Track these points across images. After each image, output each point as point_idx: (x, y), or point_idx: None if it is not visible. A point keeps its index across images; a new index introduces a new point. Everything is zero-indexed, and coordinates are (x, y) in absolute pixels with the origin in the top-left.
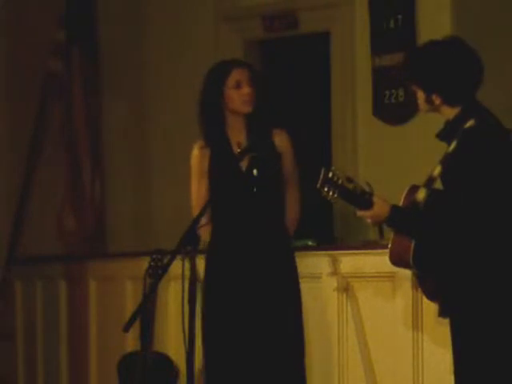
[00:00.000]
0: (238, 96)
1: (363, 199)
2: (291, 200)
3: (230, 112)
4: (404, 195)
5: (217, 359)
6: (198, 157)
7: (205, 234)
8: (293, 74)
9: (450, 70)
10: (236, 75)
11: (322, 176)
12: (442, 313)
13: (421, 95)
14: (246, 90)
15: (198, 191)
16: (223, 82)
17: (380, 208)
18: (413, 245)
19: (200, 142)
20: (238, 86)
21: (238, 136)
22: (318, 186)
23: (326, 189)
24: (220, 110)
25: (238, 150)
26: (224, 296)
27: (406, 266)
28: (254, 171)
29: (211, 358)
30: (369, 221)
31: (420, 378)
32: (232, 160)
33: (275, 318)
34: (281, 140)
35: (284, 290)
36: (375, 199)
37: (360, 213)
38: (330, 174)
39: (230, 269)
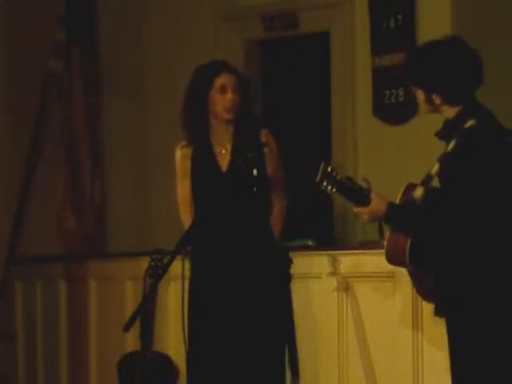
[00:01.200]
0: (221, 101)
1: (361, 195)
2: (276, 199)
3: (212, 115)
4: (401, 193)
5: (201, 359)
6: (179, 157)
7: None
8: (293, 74)
9: (449, 69)
10: (222, 80)
11: (321, 170)
12: (438, 312)
13: (421, 95)
14: (229, 95)
15: (181, 191)
16: (209, 84)
17: (377, 205)
18: (409, 242)
19: (182, 143)
20: (222, 90)
21: (221, 139)
22: (317, 180)
23: (324, 183)
24: (203, 110)
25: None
26: (209, 296)
27: (402, 264)
28: (254, 171)
29: (195, 358)
30: (365, 217)
31: (420, 378)
32: (212, 160)
33: (260, 317)
34: (265, 140)
35: (269, 289)
36: (373, 196)
37: (357, 209)
38: (329, 169)
39: (213, 269)
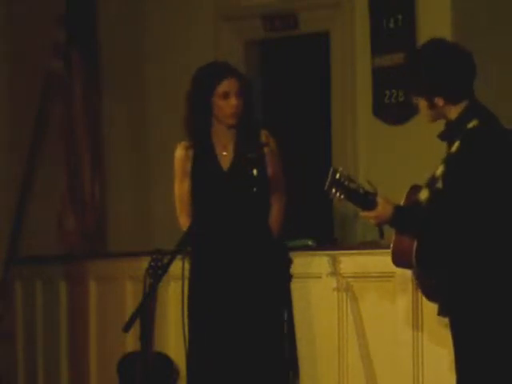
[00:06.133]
0: (225, 107)
1: (367, 200)
2: (275, 199)
3: (215, 119)
4: (405, 195)
5: (201, 359)
6: (180, 157)
7: None
8: (293, 74)
9: (443, 67)
10: (225, 86)
11: (329, 177)
12: (442, 312)
13: (424, 104)
14: (233, 101)
15: (180, 191)
16: (212, 91)
17: (384, 208)
18: (415, 244)
19: (184, 143)
20: (225, 96)
21: (223, 141)
22: (326, 187)
23: (333, 190)
24: (207, 114)
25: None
26: (209, 296)
27: (408, 266)
28: (254, 171)
29: (195, 358)
30: (372, 221)
31: (420, 378)
32: (214, 161)
33: (260, 317)
34: (265, 140)
35: (268, 288)
36: (379, 199)
37: (364, 213)
38: (337, 176)
39: (213, 269)
